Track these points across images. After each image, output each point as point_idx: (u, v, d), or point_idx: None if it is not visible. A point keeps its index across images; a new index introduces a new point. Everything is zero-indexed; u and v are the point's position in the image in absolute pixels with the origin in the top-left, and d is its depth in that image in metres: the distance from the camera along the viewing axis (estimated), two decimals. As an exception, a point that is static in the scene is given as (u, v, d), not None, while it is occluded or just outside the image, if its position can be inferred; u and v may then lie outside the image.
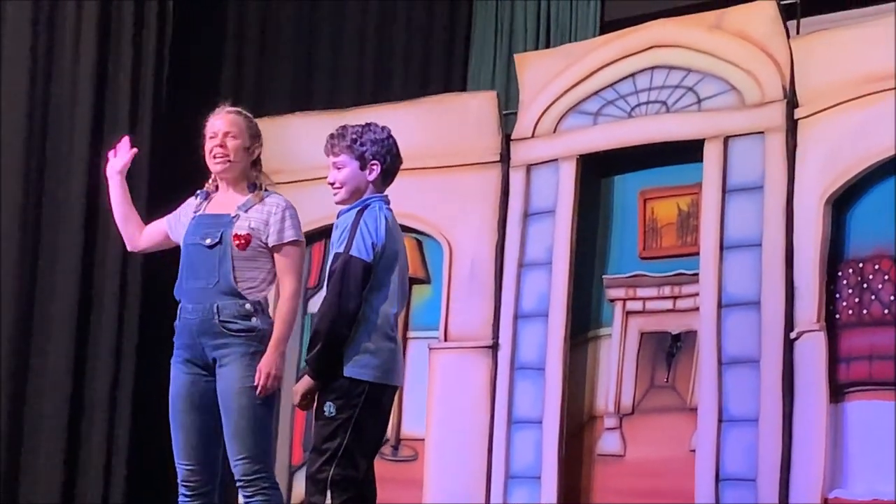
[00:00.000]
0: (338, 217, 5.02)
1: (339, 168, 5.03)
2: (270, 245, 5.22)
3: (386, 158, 5.02)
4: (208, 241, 5.19)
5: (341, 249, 4.86)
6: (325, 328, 4.83)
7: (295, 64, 9.35)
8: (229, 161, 5.26)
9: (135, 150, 5.44)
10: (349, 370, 4.83)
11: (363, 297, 4.85)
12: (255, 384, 5.07)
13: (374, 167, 5.00)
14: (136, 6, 8.43)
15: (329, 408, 4.84)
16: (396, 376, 4.97)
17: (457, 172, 7.69)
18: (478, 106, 7.78)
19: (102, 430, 8.16)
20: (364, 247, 4.85)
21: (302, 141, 7.62)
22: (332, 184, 5.04)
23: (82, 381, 8.15)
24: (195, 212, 5.34)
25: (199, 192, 5.38)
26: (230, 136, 5.27)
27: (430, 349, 7.66)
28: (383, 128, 5.08)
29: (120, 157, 5.45)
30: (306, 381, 4.89)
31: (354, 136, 5.01)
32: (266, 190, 5.30)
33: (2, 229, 7.94)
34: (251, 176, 5.31)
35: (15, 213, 7.99)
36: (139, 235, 5.49)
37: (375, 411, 4.89)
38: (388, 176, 5.06)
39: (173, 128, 8.32)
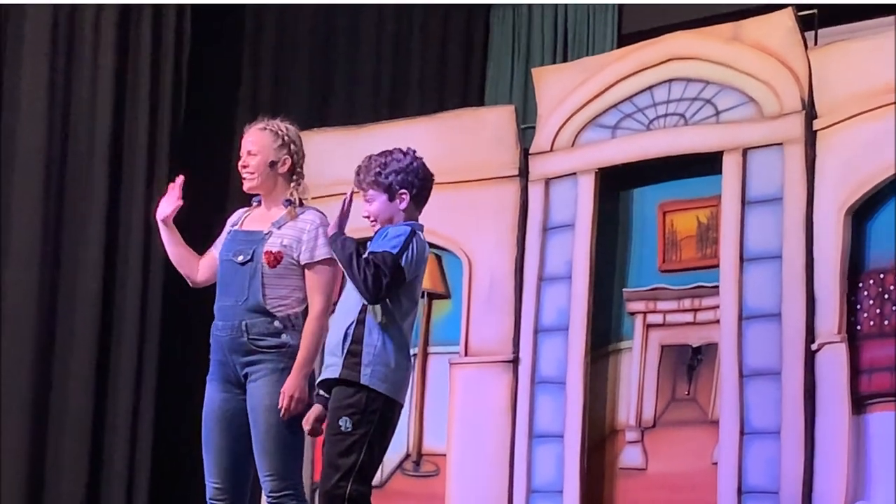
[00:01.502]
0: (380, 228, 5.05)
1: (369, 202, 5.04)
2: (302, 263, 5.21)
3: (414, 184, 5.02)
4: (240, 259, 5.21)
5: (394, 251, 4.86)
6: (374, 270, 4.80)
7: (311, 81, 9.33)
8: (252, 178, 5.29)
9: (180, 202, 5.40)
10: (367, 378, 4.85)
11: (391, 313, 4.89)
12: (279, 406, 5.06)
13: (404, 196, 5.00)
14: (153, 32, 8.39)
15: (345, 423, 4.84)
16: (405, 395, 5.02)
17: (475, 187, 7.68)
18: (495, 120, 7.77)
19: (124, 450, 8.14)
20: (408, 263, 4.88)
21: (321, 157, 7.60)
22: (367, 217, 5.06)
23: (104, 401, 8.14)
24: (232, 226, 5.37)
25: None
26: (251, 153, 5.31)
27: (451, 364, 7.64)
28: (405, 152, 5.06)
29: (166, 205, 5.41)
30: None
31: (378, 169, 5.00)
32: (302, 205, 5.31)
33: (22, 246, 7.94)
34: (285, 190, 5.32)
35: (35, 231, 7.98)
36: (196, 271, 5.48)
37: (386, 428, 4.93)
38: (420, 200, 5.07)
39: (191, 149, 8.32)
